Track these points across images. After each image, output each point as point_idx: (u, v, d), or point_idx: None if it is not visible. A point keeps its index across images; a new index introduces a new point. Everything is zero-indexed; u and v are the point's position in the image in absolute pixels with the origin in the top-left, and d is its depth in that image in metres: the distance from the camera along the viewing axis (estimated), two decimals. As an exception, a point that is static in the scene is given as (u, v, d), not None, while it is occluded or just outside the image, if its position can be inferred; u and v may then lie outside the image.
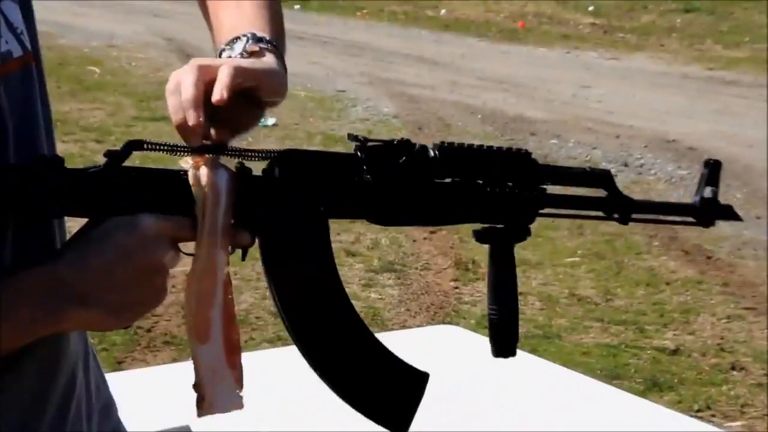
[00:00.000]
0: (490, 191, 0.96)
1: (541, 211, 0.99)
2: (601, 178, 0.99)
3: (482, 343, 2.64)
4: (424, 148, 0.94)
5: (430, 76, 10.12)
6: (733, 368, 3.92)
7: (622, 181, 6.69)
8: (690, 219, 1.02)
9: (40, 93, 0.98)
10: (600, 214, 1.00)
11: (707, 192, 1.00)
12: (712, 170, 1.01)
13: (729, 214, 1.02)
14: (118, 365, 3.67)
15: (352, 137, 0.94)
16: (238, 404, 0.91)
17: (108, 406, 1.13)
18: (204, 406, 0.87)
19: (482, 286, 4.79)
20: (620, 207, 0.99)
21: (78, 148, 6.59)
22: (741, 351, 4.06)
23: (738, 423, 3.65)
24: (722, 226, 4.61)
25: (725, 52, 11.72)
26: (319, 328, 0.95)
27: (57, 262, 0.86)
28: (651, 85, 9.91)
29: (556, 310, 4.59)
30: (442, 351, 2.14)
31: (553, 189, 1.01)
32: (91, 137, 7.04)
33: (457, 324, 3.99)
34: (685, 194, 6.60)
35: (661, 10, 14.22)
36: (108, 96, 8.58)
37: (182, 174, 0.87)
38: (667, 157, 7.05)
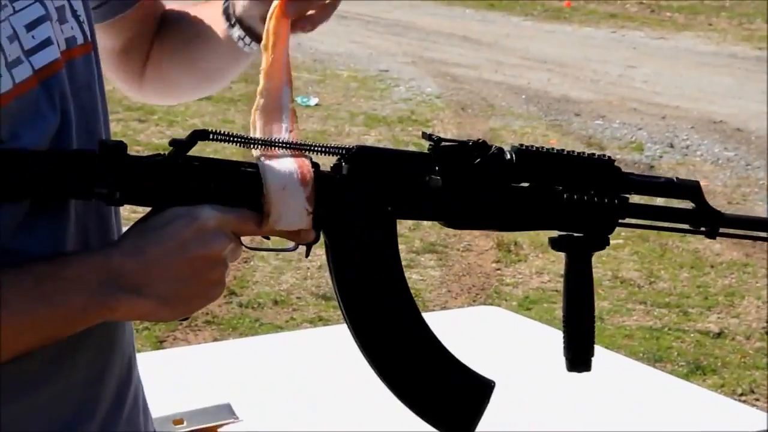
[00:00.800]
0: (569, 198, 0.93)
1: (621, 221, 0.96)
2: (689, 190, 0.97)
3: (524, 324, 2.23)
4: (500, 150, 0.92)
5: (474, 56, 10.01)
6: (777, 352, 3.89)
7: (667, 162, 6.57)
8: None
9: (98, 81, 0.98)
10: (686, 226, 0.97)
11: None
12: None
13: None
14: (160, 344, 3.70)
15: (427, 136, 0.92)
16: (306, 223, 0.85)
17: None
18: (269, 222, 0.83)
19: (524, 268, 4.77)
20: (708, 220, 0.97)
21: (121, 128, 6.58)
22: (786, 335, 4.03)
23: (782, 406, 3.68)
24: (769, 207, 4.29)
25: None
26: (383, 331, 0.94)
27: (112, 251, 0.85)
28: (698, 65, 9.80)
29: (599, 293, 4.58)
30: (483, 332, 2.11)
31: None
32: (134, 116, 7.02)
33: (499, 305, 3.98)
34: (731, 176, 6.48)
35: None
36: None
37: (247, 167, 0.86)
38: (713, 138, 6.95)
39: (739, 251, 5.01)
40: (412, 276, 4.47)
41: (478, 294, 4.40)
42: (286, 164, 0.84)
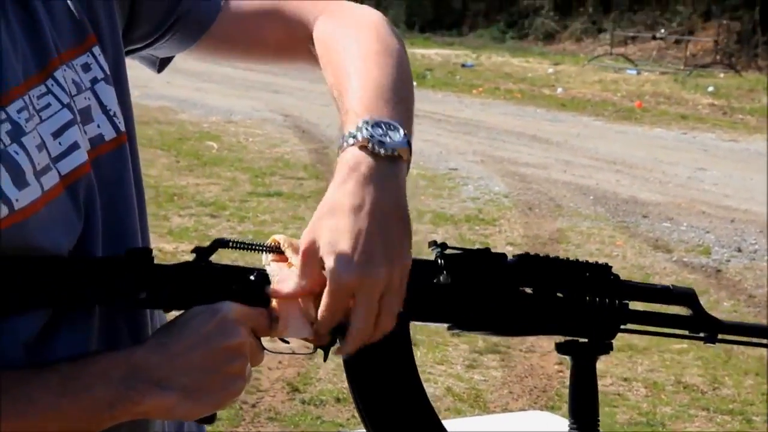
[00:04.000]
0: (570, 304, 0.95)
1: (623, 327, 0.97)
2: (685, 297, 0.99)
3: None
4: (503, 256, 0.95)
5: (543, 155, 10.09)
6: (842, 462, 3.70)
7: (734, 266, 6.53)
8: None
9: (133, 172, 0.99)
10: (685, 332, 0.99)
11: None
12: None
13: None
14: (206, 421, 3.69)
15: (433, 244, 0.94)
16: (309, 333, 0.88)
17: None
18: (278, 328, 0.86)
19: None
20: (706, 327, 0.99)
21: (193, 222, 6.80)
22: None
23: None
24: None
25: None
26: (393, 417, 0.95)
27: (136, 348, 0.87)
28: None
29: (661, 398, 4.50)
30: None
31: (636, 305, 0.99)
32: (206, 212, 7.18)
33: (561, 408, 4.00)
34: (800, 283, 6.37)
35: None
36: (224, 171, 8.65)
37: (259, 273, 0.90)
38: None
39: None
40: (474, 376, 4.56)
41: (539, 396, 4.38)
42: (292, 276, 0.87)
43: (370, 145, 0.87)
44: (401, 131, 0.88)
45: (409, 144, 0.89)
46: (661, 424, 4.21)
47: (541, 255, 0.97)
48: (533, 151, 10.31)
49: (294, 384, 4.35)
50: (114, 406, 0.85)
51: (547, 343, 4.73)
